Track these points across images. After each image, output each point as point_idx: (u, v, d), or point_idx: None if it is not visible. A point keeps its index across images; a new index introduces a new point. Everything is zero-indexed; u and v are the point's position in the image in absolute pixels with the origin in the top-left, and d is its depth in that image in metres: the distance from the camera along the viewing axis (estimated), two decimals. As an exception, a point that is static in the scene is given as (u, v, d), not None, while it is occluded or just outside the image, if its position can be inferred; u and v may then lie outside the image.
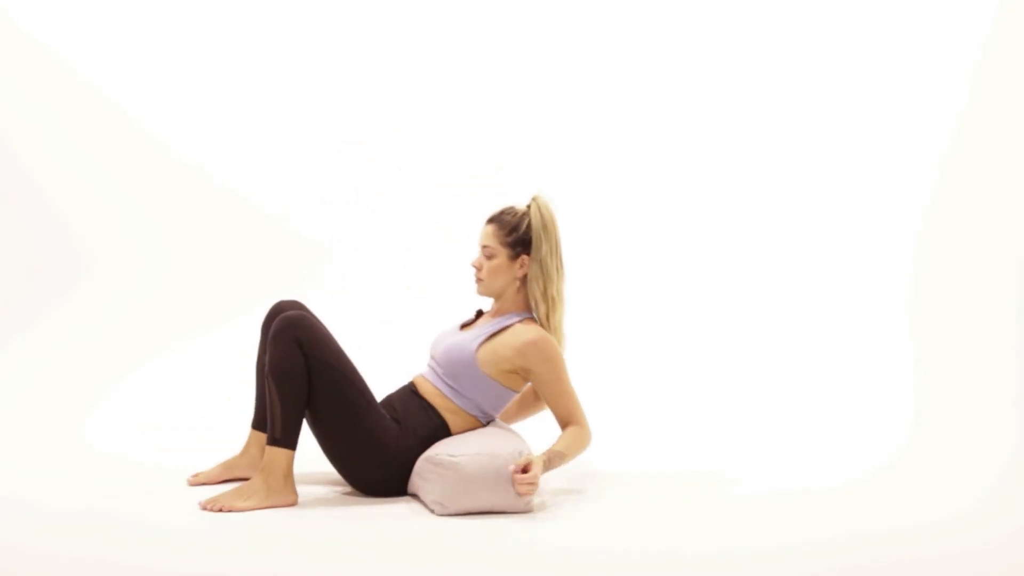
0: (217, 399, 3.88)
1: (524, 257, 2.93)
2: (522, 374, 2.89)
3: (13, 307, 4.47)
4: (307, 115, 4.82)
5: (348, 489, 2.94)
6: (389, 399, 2.96)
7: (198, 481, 2.96)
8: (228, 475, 2.97)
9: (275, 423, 2.74)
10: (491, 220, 2.97)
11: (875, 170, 4.54)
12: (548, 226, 2.92)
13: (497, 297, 2.99)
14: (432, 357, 3.02)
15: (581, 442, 2.86)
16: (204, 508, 2.70)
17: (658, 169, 4.74)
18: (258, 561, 2.36)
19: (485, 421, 2.95)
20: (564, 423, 2.87)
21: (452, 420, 2.90)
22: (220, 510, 2.68)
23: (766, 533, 2.60)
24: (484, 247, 2.95)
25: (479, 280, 2.97)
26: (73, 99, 4.72)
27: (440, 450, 2.78)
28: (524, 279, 2.95)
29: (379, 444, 2.80)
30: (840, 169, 4.58)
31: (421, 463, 2.81)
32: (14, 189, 4.66)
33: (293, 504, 2.76)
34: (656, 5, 4.78)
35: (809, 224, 4.57)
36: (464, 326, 3.05)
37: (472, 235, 4.70)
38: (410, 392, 2.96)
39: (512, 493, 2.69)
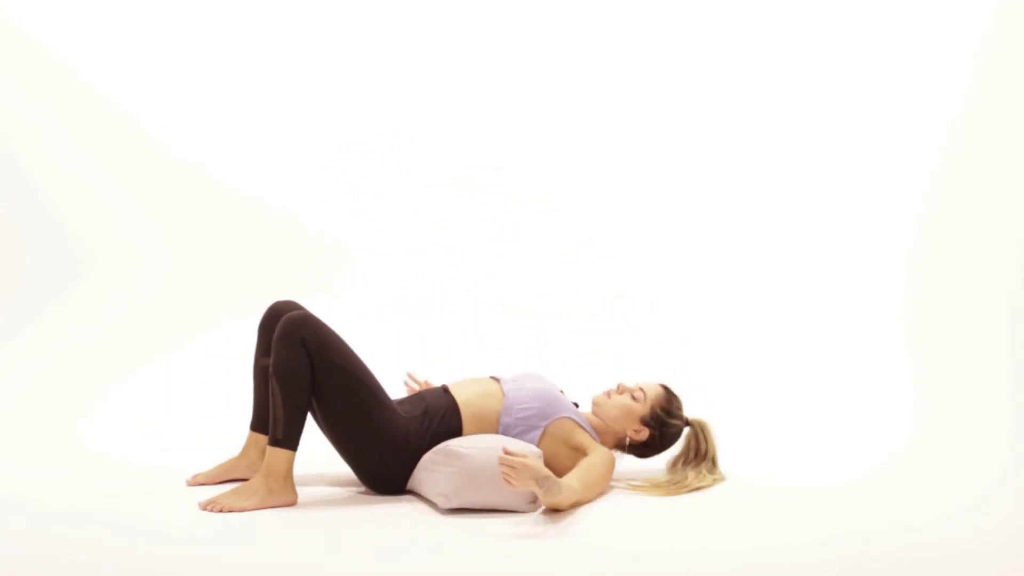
0: (217, 399, 3.88)
1: (647, 430, 2.99)
2: (575, 453, 2.88)
3: (13, 307, 4.47)
4: (307, 115, 4.82)
5: (348, 489, 2.94)
6: (421, 394, 2.97)
7: (197, 482, 2.96)
8: (227, 476, 2.97)
9: (277, 423, 2.74)
10: (666, 388, 3.04)
11: (874, 170, 4.54)
12: (701, 451, 3.03)
13: (599, 419, 3.01)
14: (526, 376, 3.03)
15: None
16: (204, 508, 2.70)
17: (657, 170, 4.74)
18: (258, 561, 2.36)
19: None
20: None
21: (470, 431, 2.89)
22: (220, 510, 2.68)
23: (766, 533, 2.60)
24: (640, 389, 3.01)
25: (608, 395, 3.01)
26: (73, 99, 4.72)
27: (449, 444, 2.78)
28: (627, 438, 3.02)
29: (388, 439, 2.80)
30: (839, 169, 4.58)
31: (428, 456, 2.81)
32: (14, 189, 4.66)
33: (293, 504, 2.77)
34: (656, 5, 4.78)
35: (808, 223, 4.56)
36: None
37: (472, 235, 4.73)
38: (441, 392, 2.96)
39: (517, 491, 2.68)
